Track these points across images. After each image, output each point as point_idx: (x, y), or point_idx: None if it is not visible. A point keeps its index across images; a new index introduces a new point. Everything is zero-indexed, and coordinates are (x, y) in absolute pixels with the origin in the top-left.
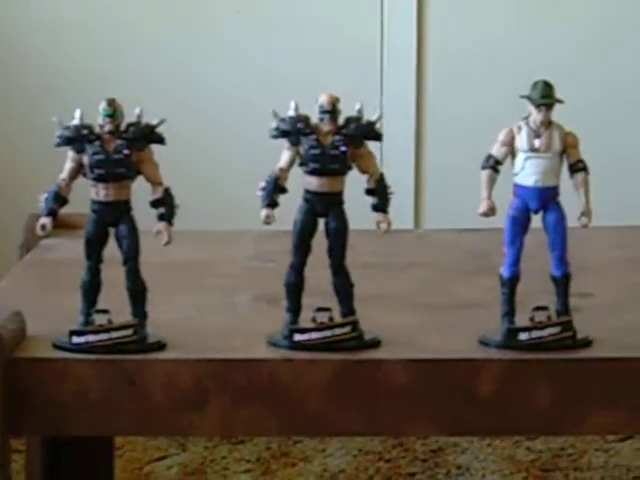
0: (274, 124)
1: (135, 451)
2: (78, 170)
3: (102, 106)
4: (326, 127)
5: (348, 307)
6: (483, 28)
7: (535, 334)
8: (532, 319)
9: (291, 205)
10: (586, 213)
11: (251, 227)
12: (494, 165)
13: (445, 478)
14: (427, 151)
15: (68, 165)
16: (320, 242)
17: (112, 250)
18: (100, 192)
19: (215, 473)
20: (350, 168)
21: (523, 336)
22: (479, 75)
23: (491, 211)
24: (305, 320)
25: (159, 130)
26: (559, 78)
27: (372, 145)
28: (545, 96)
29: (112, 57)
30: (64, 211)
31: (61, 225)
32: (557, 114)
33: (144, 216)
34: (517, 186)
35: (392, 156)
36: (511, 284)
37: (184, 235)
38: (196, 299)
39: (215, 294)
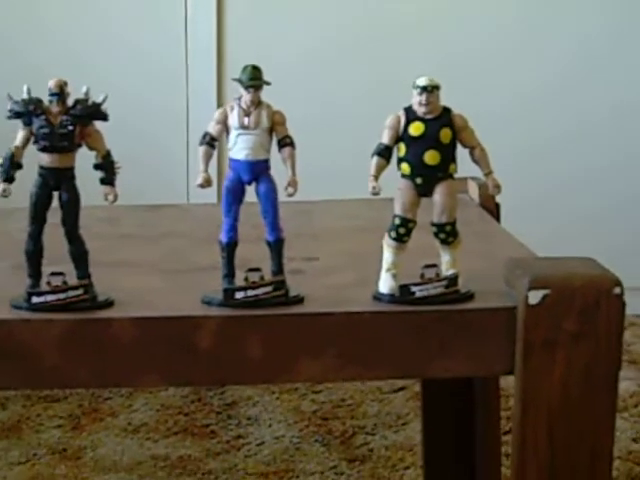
0: (9, 106)
1: None
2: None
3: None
4: (55, 108)
5: (83, 272)
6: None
7: (250, 293)
8: (246, 279)
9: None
10: (292, 183)
11: None
12: (210, 141)
13: (236, 428)
14: None
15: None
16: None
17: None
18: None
19: (30, 429)
20: (80, 145)
21: (239, 295)
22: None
23: (207, 183)
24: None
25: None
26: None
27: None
28: (253, 78)
29: None
30: None
31: None
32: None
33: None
34: (231, 160)
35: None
36: (229, 249)
37: None
38: None
39: None
